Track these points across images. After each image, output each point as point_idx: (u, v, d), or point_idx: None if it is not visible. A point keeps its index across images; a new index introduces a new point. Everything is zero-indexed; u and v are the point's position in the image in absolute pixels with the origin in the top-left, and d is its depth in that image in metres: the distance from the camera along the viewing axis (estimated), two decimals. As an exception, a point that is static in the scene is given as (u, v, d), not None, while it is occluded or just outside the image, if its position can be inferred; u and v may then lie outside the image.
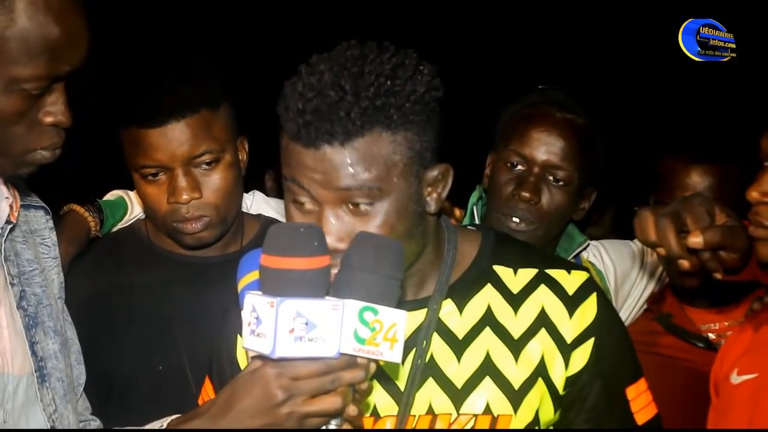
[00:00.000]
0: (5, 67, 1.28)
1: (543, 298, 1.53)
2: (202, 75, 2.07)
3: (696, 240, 1.45)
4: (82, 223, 2.04)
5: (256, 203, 2.33)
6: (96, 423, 1.66)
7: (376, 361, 1.29)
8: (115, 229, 2.16)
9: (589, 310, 1.53)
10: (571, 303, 1.53)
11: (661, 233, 1.47)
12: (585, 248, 2.37)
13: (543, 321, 1.52)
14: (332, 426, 1.28)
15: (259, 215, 2.25)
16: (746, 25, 1.99)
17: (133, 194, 2.20)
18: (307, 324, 1.21)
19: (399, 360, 1.27)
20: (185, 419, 1.41)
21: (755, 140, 1.66)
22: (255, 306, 1.23)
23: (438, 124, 1.43)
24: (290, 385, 1.23)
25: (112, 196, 2.20)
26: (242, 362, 1.59)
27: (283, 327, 1.20)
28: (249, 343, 1.25)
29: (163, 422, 1.45)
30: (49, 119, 1.36)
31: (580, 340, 1.52)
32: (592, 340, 1.52)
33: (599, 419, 1.54)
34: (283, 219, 2.25)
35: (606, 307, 1.57)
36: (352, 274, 1.26)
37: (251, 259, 1.40)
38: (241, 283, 1.41)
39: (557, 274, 1.55)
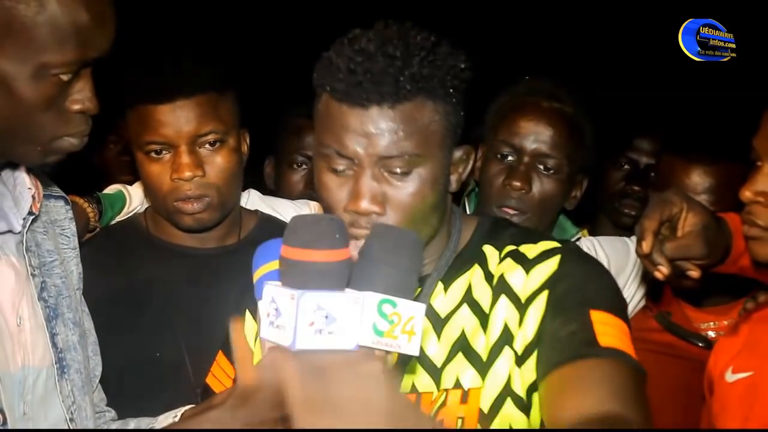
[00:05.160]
0: (35, 54, 1.27)
1: (505, 267, 1.51)
2: (211, 59, 2.11)
3: (664, 272, 1.67)
4: (81, 214, 2.02)
5: (252, 201, 2.35)
6: (111, 414, 1.66)
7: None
8: (113, 222, 2.16)
9: (546, 267, 1.48)
10: (529, 264, 1.49)
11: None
12: (577, 240, 2.37)
13: (502, 287, 1.50)
14: None
15: (256, 211, 2.28)
16: (746, 25, 2.01)
17: (131, 189, 2.21)
18: (327, 317, 1.19)
19: (416, 352, 1.26)
20: (201, 410, 1.41)
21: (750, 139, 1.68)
22: (275, 297, 1.22)
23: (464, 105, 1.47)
24: None
25: (111, 190, 2.21)
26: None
27: (303, 320, 1.18)
28: (267, 334, 1.23)
29: (177, 413, 1.45)
30: (76, 106, 1.35)
31: (533, 296, 1.46)
32: (545, 293, 1.45)
33: (559, 331, 1.41)
34: (278, 216, 2.27)
35: (570, 264, 1.48)
36: (372, 267, 1.26)
37: (268, 249, 1.40)
38: (258, 273, 1.40)
39: (525, 247, 1.53)
